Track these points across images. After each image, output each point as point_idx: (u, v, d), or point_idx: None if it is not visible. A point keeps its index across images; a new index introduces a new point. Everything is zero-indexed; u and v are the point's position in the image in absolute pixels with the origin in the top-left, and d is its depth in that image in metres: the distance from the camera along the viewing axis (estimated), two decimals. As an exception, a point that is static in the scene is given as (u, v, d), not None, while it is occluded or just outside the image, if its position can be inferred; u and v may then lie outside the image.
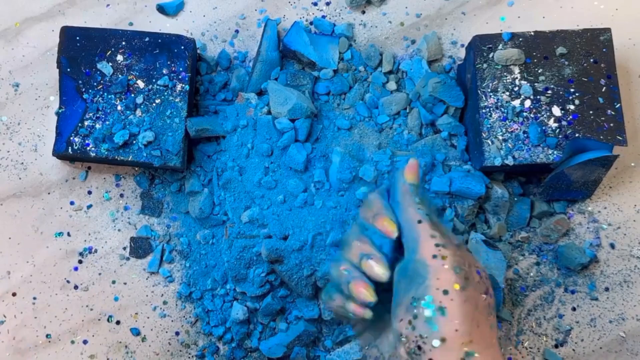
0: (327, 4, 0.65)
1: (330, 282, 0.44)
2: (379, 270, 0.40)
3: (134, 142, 0.57)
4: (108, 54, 0.59)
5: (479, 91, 0.57)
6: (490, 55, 0.57)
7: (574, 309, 0.58)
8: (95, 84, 0.58)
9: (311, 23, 0.64)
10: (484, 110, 0.57)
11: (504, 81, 0.57)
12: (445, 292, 0.37)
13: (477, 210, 0.58)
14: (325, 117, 0.60)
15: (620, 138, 0.55)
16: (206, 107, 0.62)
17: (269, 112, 0.59)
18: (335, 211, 0.56)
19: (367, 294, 0.40)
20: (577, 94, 0.56)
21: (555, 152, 0.55)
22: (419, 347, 0.36)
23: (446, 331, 0.36)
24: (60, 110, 0.58)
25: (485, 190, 0.57)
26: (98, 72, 0.59)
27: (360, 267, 0.41)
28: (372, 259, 0.41)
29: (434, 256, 0.38)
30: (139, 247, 0.60)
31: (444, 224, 0.43)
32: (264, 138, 0.58)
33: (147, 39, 0.59)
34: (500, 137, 0.56)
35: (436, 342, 0.36)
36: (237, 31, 0.64)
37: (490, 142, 0.56)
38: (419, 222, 0.40)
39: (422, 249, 0.39)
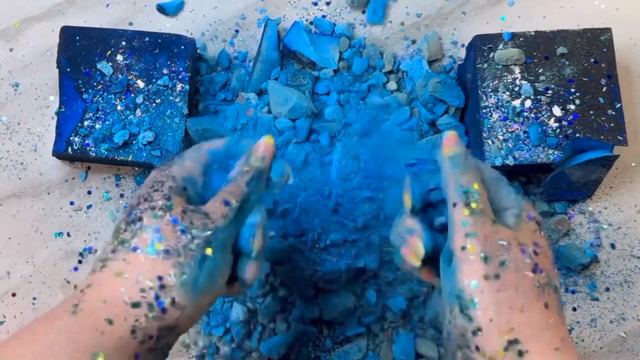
0: (328, 3, 0.65)
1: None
2: (414, 255, 0.40)
3: (134, 142, 0.57)
4: (108, 53, 0.59)
5: (479, 91, 0.57)
6: (491, 55, 0.57)
7: (574, 309, 0.58)
8: (95, 83, 0.58)
9: (311, 23, 0.64)
10: (484, 110, 0.56)
11: (505, 81, 0.57)
12: (475, 284, 0.36)
13: (477, 210, 0.58)
14: (326, 116, 0.60)
15: (621, 138, 0.55)
16: (206, 107, 0.62)
17: (269, 112, 0.59)
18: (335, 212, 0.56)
19: (413, 257, 0.40)
20: (577, 94, 0.56)
21: (555, 152, 0.55)
22: (463, 335, 0.36)
23: (481, 322, 0.35)
24: (60, 110, 0.58)
25: (486, 190, 0.57)
26: (98, 72, 0.58)
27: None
28: (414, 237, 0.40)
29: (462, 248, 0.37)
30: (139, 247, 0.60)
31: (504, 185, 0.41)
32: (264, 138, 0.58)
33: (147, 39, 0.59)
34: (501, 137, 0.56)
35: (473, 333, 0.36)
36: (237, 31, 0.64)
37: (490, 142, 0.56)
38: (454, 205, 0.38)
39: (453, 238, 0.38)
